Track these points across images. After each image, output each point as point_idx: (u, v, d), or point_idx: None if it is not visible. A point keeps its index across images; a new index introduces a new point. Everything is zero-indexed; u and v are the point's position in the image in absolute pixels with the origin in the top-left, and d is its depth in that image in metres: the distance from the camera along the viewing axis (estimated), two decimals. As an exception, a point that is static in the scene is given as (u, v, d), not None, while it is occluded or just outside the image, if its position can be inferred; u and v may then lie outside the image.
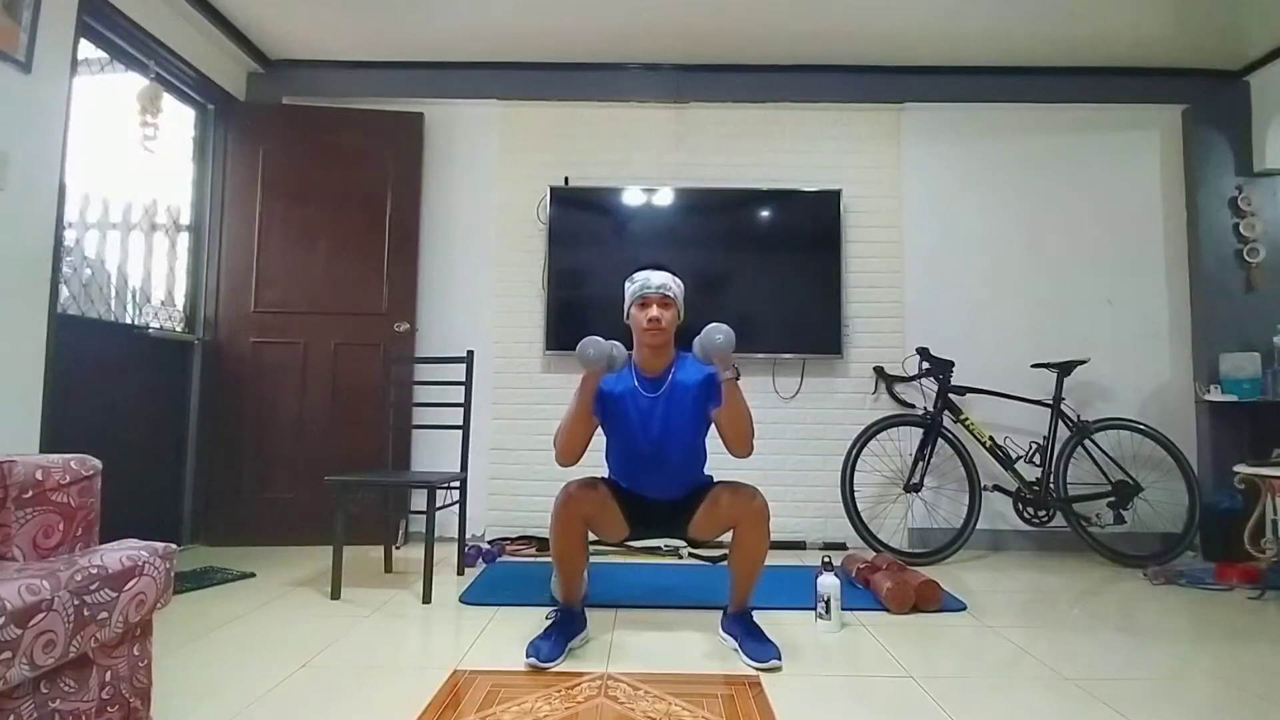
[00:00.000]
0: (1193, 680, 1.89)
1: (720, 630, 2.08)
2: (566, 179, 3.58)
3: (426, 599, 2.44)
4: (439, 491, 2.52)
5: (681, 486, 2.13)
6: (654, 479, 2.12)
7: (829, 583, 2.21)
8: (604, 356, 1.91)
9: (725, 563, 2.10)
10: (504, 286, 3.61)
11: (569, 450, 2.04)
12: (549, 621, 2.04)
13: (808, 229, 3.57)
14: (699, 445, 2.14)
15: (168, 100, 3.12)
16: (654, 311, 2.03)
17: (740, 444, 2.02)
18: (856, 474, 3.21)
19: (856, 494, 3.19)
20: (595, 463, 2.16)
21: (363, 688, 1.73)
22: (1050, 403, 3.33)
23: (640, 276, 2.09)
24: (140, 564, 1.31)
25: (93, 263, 2.89)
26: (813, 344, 3.51)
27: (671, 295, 2.06)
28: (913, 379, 3.44)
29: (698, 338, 1.93)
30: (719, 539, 2.14)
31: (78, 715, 1.23)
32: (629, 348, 2.07)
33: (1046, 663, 1.96)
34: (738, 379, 1.96)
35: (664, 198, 3.55)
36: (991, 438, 3.28)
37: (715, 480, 2.15)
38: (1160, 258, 3.60)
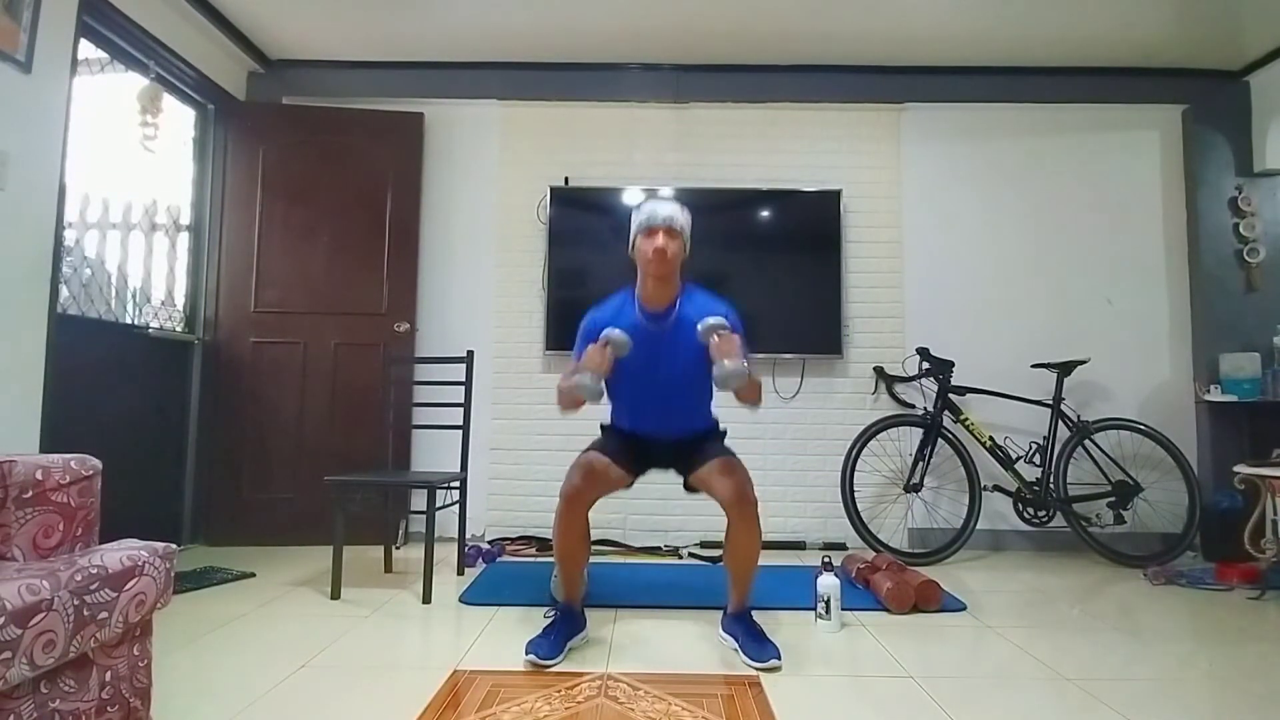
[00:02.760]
0: (1193, 680, 1.89)
1: (720, 630, 2.08)
2: (566, 179, 3.58)
3: (426, 599, 2.44)
4: (439, 491, 2.52)
5: (687, 426, 2.09)
6: (659, 416, 2.07)
7: (829, 583, 2.21)
8: (596, 392, 1.91)
9: (723, 561, 2.09)
10: (504, 286, 3.61)
11: (568, 411, 2.05)
12: (548, 620, 2.04)
13: (808, 229, 3.56)
14: (705, 383, 2.05)
15: (168, 100, 3.12)
16: (660, 241, 1.97)
17: (750, 405, 2.04)
18: (856, 474, 3.21)
19: (856, 494, 3.19)
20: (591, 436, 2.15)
21: (363, 688, 1.73)
22: (1050, 403, 3.33)
23: (647, 207, 2.04)
24: (140, 564, 1.31)
25: (93, 263, 2.89)
26: (813, 344, 3.51)
27: (678, 227, 2.01)
28: (913, 379, 3.44)
29: (718, 371, 1.88)
30: (715, 540, 2.13)
31: (78, 715, 1.23)
32: (633, 282, 2.07)
33: (1046, 663, 1.96)
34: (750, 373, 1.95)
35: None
36: (991, 438, 3.28)
37: (720, 427, 2.13)
38: (1160, 258, 3.60)
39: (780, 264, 3.55)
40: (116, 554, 1.30)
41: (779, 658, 1.88)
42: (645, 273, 2.04)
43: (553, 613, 2.07)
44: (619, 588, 2.61)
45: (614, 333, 1.93)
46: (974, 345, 3.48)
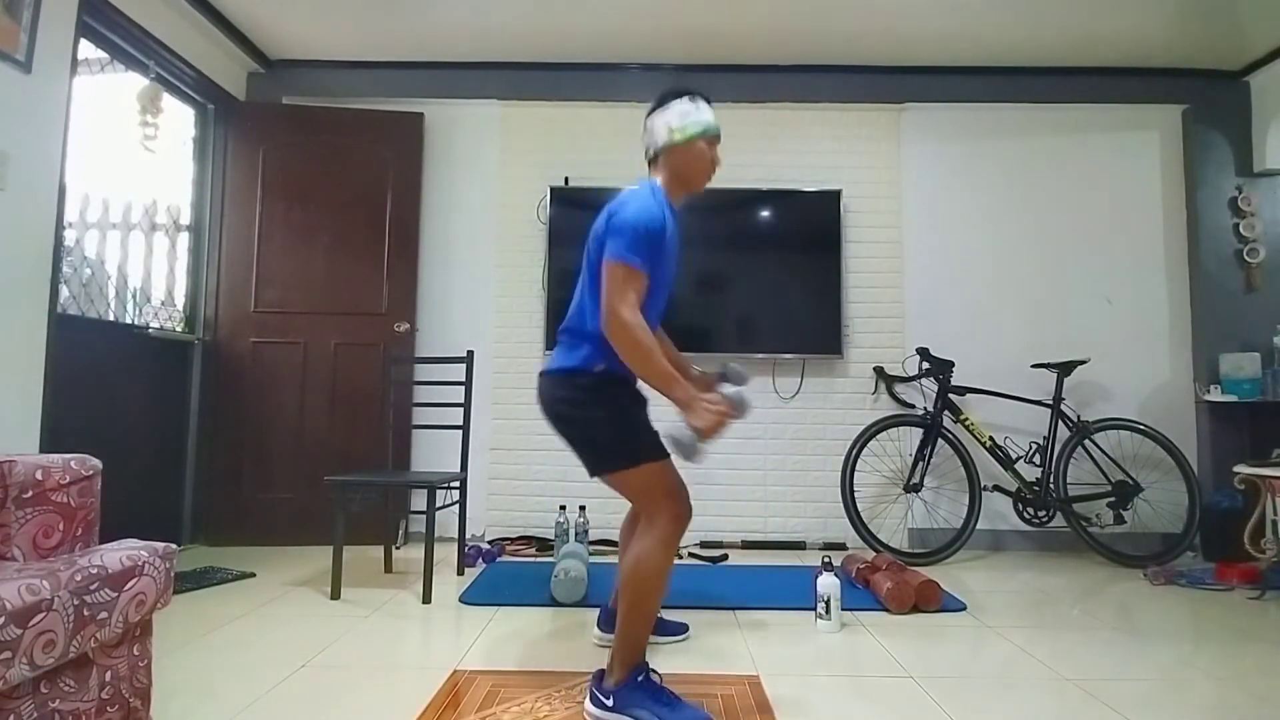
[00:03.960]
0: (1193, 680, 1.89)
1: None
2: (566, 179, 3.58)
3: (426, 599, 2.44)
4: (439, 491, 2.52)
5: None
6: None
7: (829, 583, 2.21)
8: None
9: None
10: (504, 286, 3.60)
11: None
12: (655, 682, 1.61)
13: (808, 229, 3.56)
14: None
15: (168, 100, 3.12)
16: (718, 155, 1.83)
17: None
18: (856, 474, 3.21)
19: (856, 494, 3.19)
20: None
21: (363, 688, 1.73)
22: (1050, 403, 3.33)
23: (708, 110, 1.81)
24: (140, 564, 1.31)
25: (93, 263, 2.89)
26: (813, 344, 3.51)
27: None
28: (913, 379, 3.44)
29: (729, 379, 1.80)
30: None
31: (78, 715, 1.23)
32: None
33: (1046, 663, 1.96)
34: None
35: (664, 198, 3.55)
36: (991, 438, 3.28)
37: None
38: (1160, 258, 3.60)
39: (780, 264, 3.55)
40: (116, 554, 1.30)
41: None
42: (693, 179, 1.82)
43: (644, 673, 1.61)
44: (619, 588, 2.61)
45: (744, 397, 1.64)
46: (974, 345, 3.48)
